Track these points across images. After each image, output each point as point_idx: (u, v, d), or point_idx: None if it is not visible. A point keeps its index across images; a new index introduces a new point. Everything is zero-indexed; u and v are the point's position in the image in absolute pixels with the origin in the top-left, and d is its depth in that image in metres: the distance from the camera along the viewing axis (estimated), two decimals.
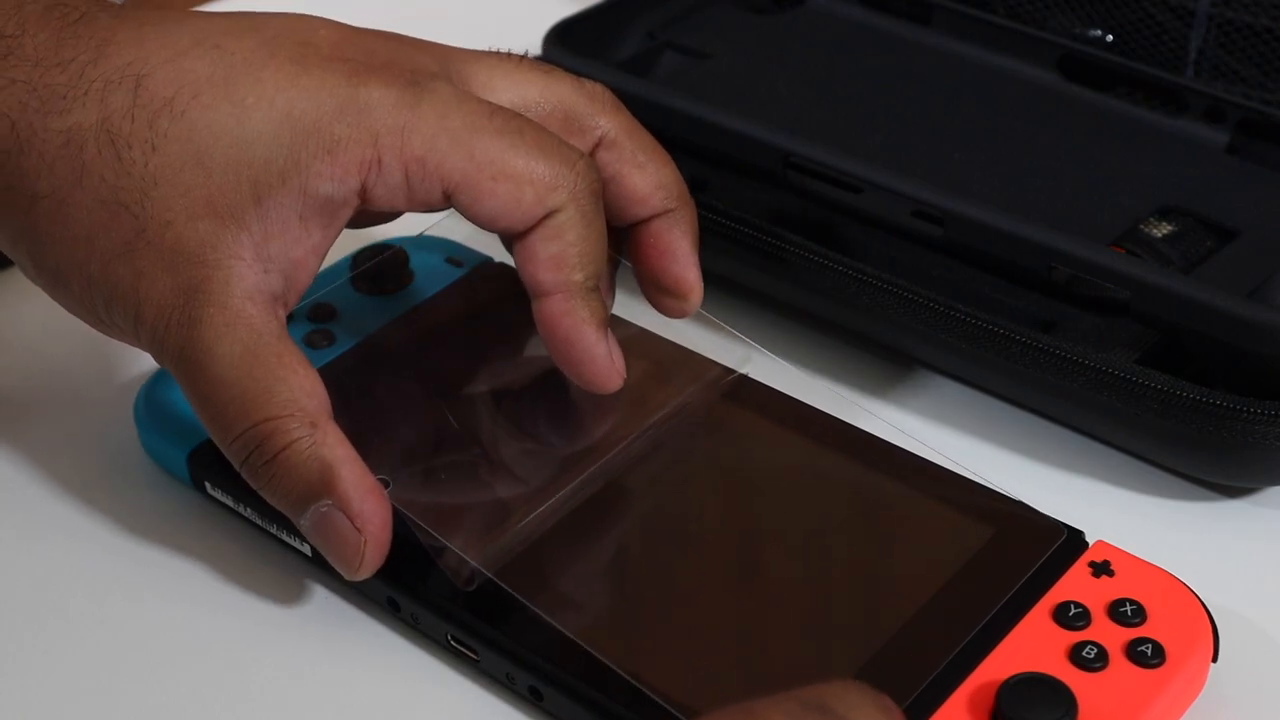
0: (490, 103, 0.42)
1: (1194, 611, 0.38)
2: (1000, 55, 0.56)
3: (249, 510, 0.43)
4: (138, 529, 0.45)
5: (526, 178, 0.41)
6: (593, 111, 0.44)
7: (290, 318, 0.47)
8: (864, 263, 0.48)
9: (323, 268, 0.50)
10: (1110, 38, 0.57)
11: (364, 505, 0.39)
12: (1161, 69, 0.55)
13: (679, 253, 0.45)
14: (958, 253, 0.48)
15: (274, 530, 0.43)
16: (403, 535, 0.40)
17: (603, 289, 0.43)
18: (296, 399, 0.39)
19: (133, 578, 0.43)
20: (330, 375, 0.46)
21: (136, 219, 0.40)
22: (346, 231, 0.55)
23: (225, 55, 0.41)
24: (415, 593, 0.41)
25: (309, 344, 0.47)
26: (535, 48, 0.55)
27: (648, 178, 0.44)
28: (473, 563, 0.39)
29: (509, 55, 0.45)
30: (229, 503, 0.44)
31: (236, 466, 0.40)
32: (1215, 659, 0.38)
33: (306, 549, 0.42)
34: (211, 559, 0.44)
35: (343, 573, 0.40)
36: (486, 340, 0.48)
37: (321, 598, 0.43)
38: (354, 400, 0.45)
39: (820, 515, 0.43)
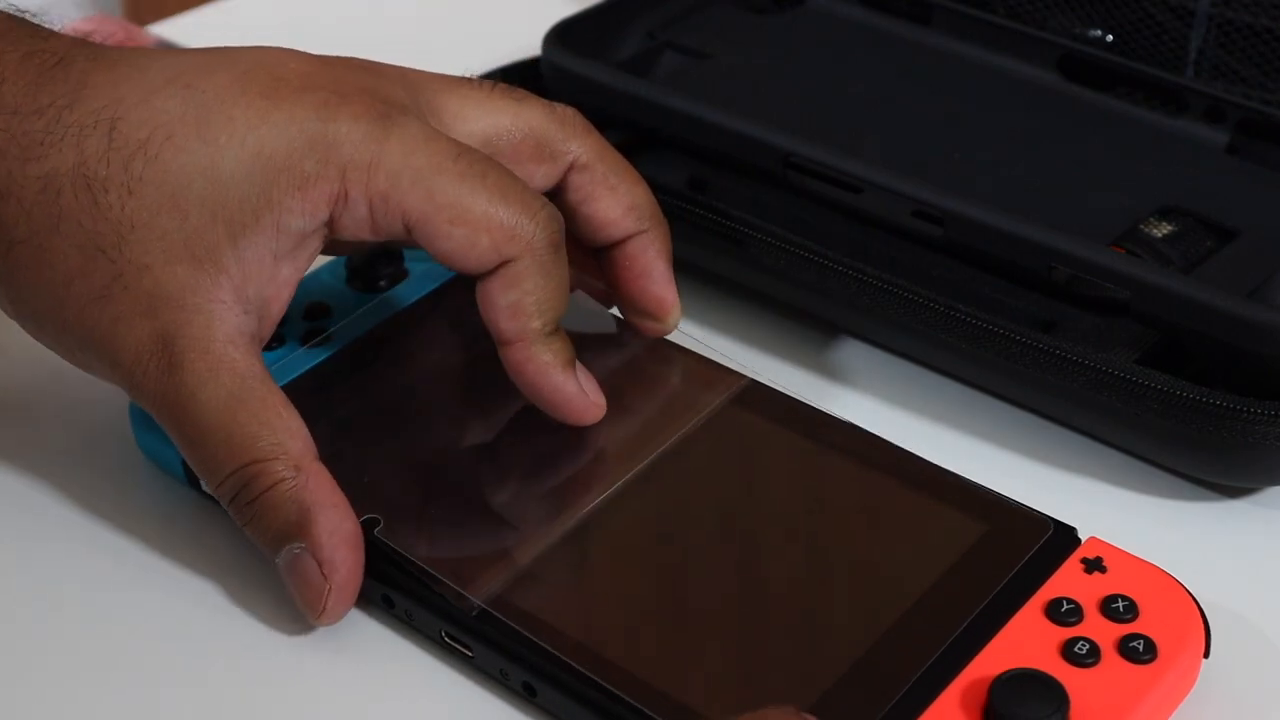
0: (459, 143, 0.42)
1: (1186, 607, 0.39)
2: (1000, 55, 0.56)
3: None
4: (133, 525, 0.45)
5: (484, 224, 0.41)
6: (564, 136, 0.45)
7: (285, 318, 0.47)
8: (864, 263, 0.48)
9: (318, 266, 0.50)
10: (1110, 38, 0.57)
11: (334, 554, 0.40)
12: (1161, 69, 0.55)
13: (655, 273, 0.46)
14: (958, 253, 0.48)
15: None
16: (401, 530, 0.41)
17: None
18: (281, 442, 0.40)
19: (128, 574, 0.43)
20: (324, 374, 0.46)
21: (114, 263, 0.40)
22: None
23: (196, 94, 0.41)
24: (409, 590, 0.41)
25: (303, 342, 0.47)
26: (535, 48, 0.55)
27: (619, 200, 0.45)
28: (473, 599, 0.40)
29: (481, 83, 0.46)
30: None
31: (223, 504, 0.41)
32: (1207, 655, 0.38)
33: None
34: (206, 555, 0.44)
35: (306, 616, 0.41)
36: (478, 341, 0.48)
37: None
38: (346, 403, 0.46)
39: (812, 512, 0.43)
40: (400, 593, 0.41)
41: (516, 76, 0.55)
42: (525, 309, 0.42)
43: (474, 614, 0.39)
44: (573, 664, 0.38)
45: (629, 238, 0.46)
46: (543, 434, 0.44)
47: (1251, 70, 0.55)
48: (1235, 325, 0.43)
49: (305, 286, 0.49)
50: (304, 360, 0.46)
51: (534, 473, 0.44)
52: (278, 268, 0.42)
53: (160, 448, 0.45)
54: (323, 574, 0.40)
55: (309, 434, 0.41)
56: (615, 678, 0.37)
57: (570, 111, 0.46)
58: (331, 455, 0.44)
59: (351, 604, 0.41)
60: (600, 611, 0.41)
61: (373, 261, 0.49)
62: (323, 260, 0.51)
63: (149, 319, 0.40)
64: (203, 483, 0.41)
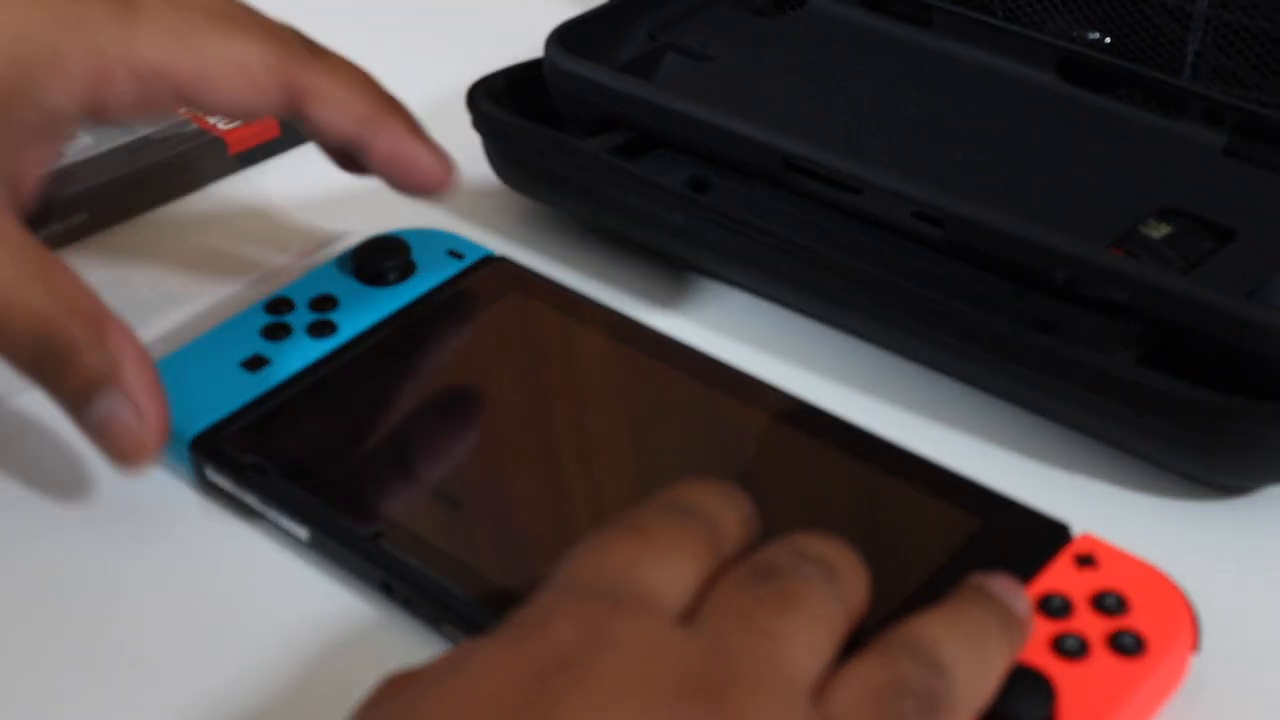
0: (201, 4, 0.43)
1: (1176, 602, 0.39)
2: (1000, 57, 0.56)
3: (248, 496, 0.44)
4: (138, 512, 0.45)
5: (260, 63, 0.43)
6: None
7: (292, 307, 0.48)
8: (864, 264, 0.48)
9: (326, 258, 0.51)
10: (1108, 40, 0.57)
11: (146, 398, 0.41)
12: (1160, 71, 0.55)
13: (415, 154, 0.46)
14: (958, 254, 0.48)
15: (273, 515, 0.43)
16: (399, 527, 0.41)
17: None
18: (77, 301, 0.41)
19: (132, 562, 0.44)
20: (330, 366, 0.46)
21: None
22: (350, 221, 0.55)
23: None
24: (409, 577, 0.41)
25: (311, 333, 0.47)
26: (537, 49, 0.55)
27: (341, 112, 0.45)
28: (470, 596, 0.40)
29: None
30: (229, 488, 0.44)
31: (22, 372, 0.41)
32: (1197, 649, 0.39)
33: (303, 533, 0.43)
34: (211, 544, 0.44)
35: (120, 465, 0.42)
36: (485, 337, 0.49)
37: (318, 581, 0.43)
38: (352, 394, 0.46)
39: (805, 506, 0.43)
40: (402, 581, 0.41)
41: (518, 78, 0.56)
42: (351, 109, 0.44)
43: (473, 603, 0.40)
44: None
45: (372, 136, 0.45)
46: (549, 425, 0.44)
47: (1249, 72, 0.55)
48: (1234, 326, 0.43)
49: (313, 278, 0.50)
50: (310, 351, 0.47)
51: (537, 469, 0.44)
52: (31, 146, 0.43)
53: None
54: (139, 416, 0.41)
55: (94, 289, 0.41)
56: None
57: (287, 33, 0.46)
58: (336, 446, 0.45)
59: (161, 448, 0.42)
60: None
61: (380, 255, 0.50)
62: (331, 253, 0.51)
63: None
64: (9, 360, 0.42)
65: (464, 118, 0.54)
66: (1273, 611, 0.42)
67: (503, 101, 0.54)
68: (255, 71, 0.43)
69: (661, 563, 0.34)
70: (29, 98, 0.41)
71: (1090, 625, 0.38)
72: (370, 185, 0.48)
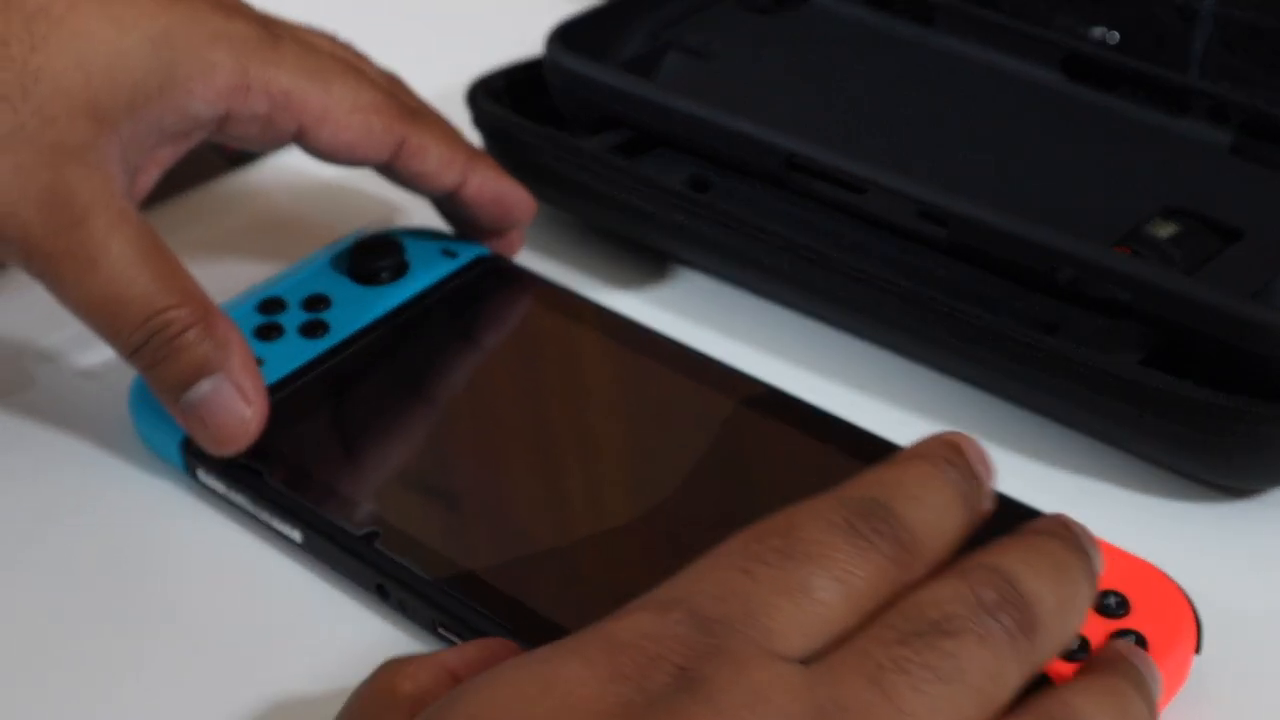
0: (332, 51, 0.47)
1: (1178, 603, 0.39)
2: (1004, 55, 0.56)
3: (240, 497, 0.44)
4: (130, 514, 0.45)
5: (374, 109, 0.46)
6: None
7: (284, 307, 0.48)
8: (867, 263, 0.48)
9: (319, 256, 0.51)
10: (1115, 36, 0.57)
11: (253, 380, 0.43)
12: (1166, 69, 0.55)
13: (504, 192, 0.49)
14: (961, 254, 0.48)
15: (265, 517, 0.43)
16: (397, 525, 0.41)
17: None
18: (188, 288, 0.43)
19: (124, 562, 0.44)
20: (323, 366, 0.46)
21: (16, 113, 0.41)
22: (343, 220, 0.55)
23: None
24: (403, 580, 0.41)
25: (303, 333, 0.47)
26: (538, 48, 0.55)
27: (434, 164, 0.48)
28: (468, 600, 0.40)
29: (319, 29, 0.49)
30: (221, 490, 0.44)
31: (125, 354, 0.43)
32: (1199, 650, 0.38)
33: (297, 535, 0.43)
34: (202, 545, 0.44)
35: (220, 447, 0.43)
36: (480, 336, 0.49)
37: (311, 584, 0.43)
38: (345, 394, 0.46)
39: (800, 500, 0.43)
40: (395, 582, 0.41)
41: (518, 77, 0.55)
42: (446, 159, 0.47)
43: (468, 606, 0.39)
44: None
45: (460, 184, 0.48)
46: (545, 425, 0.44)
47: (1256, 70, 0.55)
48: (1239, 326, 0.43)
49: (305, 277, 0.49)
50: (303, 351, 0.47)
51: (538, 467, 0.44)
52: (160, 145, 0.45)
53: (159, 436, 0.45)
54: (245, 399, 0.43)
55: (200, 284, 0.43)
56: None
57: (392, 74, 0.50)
58: (329, 448, 0.45)
59: (260, 430, 0.43)
60: (602, 606, 0.40)
61: (373, 254, 0.50)
62: (324, 250, 0.51)
63: (49, 170, 0.41)
64: (105, 339, 0.43)
65: (464, 116, 0.53)
66: (1275, 614, 0.42)
67: (503, 100, 0.54)
68: (372, 119, 0.46)
69: (791, 599, 0.31)
70: (173, 100, 0.43)
71: (1092, 626, 0.38)
72: (364, 184, 0.48)
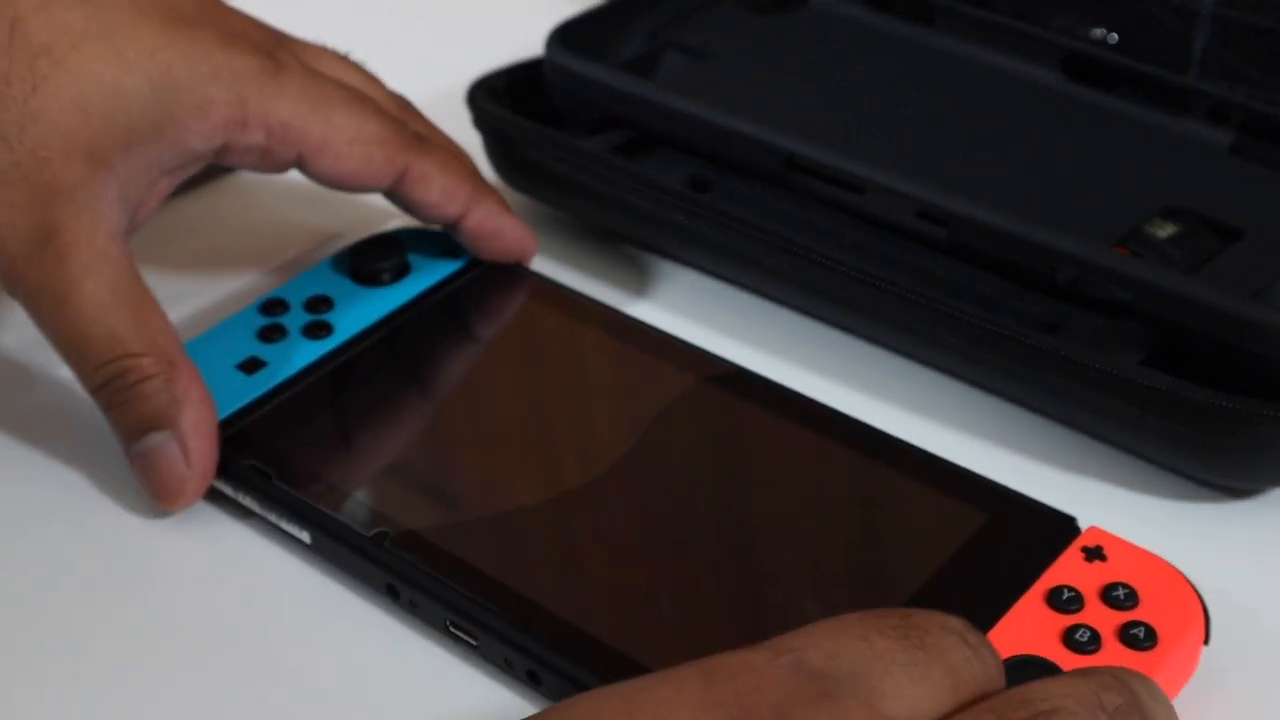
0: (337, 79, 0.47)
1: (1185, 595, 0.39)
2: (1003, 55, 0.56)
3: (247, 499, 0.44)
4: (138, 516, 0.45)
5: (376, 140, 0.46)
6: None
7: (287, 309, 0.48)
8: (867, 263, 0.48)
9: (321, 259, 0.51)
10: (1114, 37, 0.57)
11: (199, 443, 0.43)
12: (1166, 69, 0.55)
13: (503, 228, 0.49)
14: (961, 254, 0.48)
15: (273, 518, 0.43)
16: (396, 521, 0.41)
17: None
18: (156, 337, 0.43)
19: (132, 564, 0.44)
20: (326, 367, 0.46)
21: (13, 151, 0.42)
22: (344, 221, 0.55)
23: (98, 9, 0.44)
24: (414, 579, 0.41)
25: (306, 334, 0.47)
26: (537, 48, 0.55)
27: (436, 194, 0.48)
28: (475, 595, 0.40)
29: (331, 49, 0.50)
30: (228, 491, 0.44)
31: (88, 391, 0.43)
32: (1207, 641, 0.39)
33: (305, 536, 0.42)
34: (210, 546, 0.44)
35: (158, 502, 0.43)
36: (482, 335, 0.49)
37: (320, 584, 0.43)
38: (348, 396, 0.46)
39: (814, 501, 0.43)
40: (406, 584, 0.41)
41: (518, 77, 0.55)
42: (449, 191, 0.48)
43: (478, 604, 0.39)
44: (578, 654, 0.38)
45: (462, 215, 0.49)
46: (549, 423, 0.44)
47: (1255, 71, 0.55)
48: (1239, 326, 0.43)
49: (307, 279, 0.49)
50: (307, 353, 0.47)
51: (544, 465, 0.44)
52: (159, 179, 0.45)
53: None
54: (186, 461, 0.43)
55: (176, 331, 0.44)
56: (624, 668, 0.37)
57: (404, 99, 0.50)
58: (335, 449, 0.45)
59: (201, 494, 0.43)
60: (611, 603, 0.41)
61: (375, 255, 0.50)
62: (326, 253, 0.51)
63: (39, 209, 0.42)
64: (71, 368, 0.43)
65: (464, 116, 0.53)
66: (1276, 612, 0.42)
67: (503, 100, 0.54)
68: (373, 150, 0.46)
69: (903, 669, 0.30)
70: (171, 137, 0.44)
71: (1101, 618, 0.38)
72: None
